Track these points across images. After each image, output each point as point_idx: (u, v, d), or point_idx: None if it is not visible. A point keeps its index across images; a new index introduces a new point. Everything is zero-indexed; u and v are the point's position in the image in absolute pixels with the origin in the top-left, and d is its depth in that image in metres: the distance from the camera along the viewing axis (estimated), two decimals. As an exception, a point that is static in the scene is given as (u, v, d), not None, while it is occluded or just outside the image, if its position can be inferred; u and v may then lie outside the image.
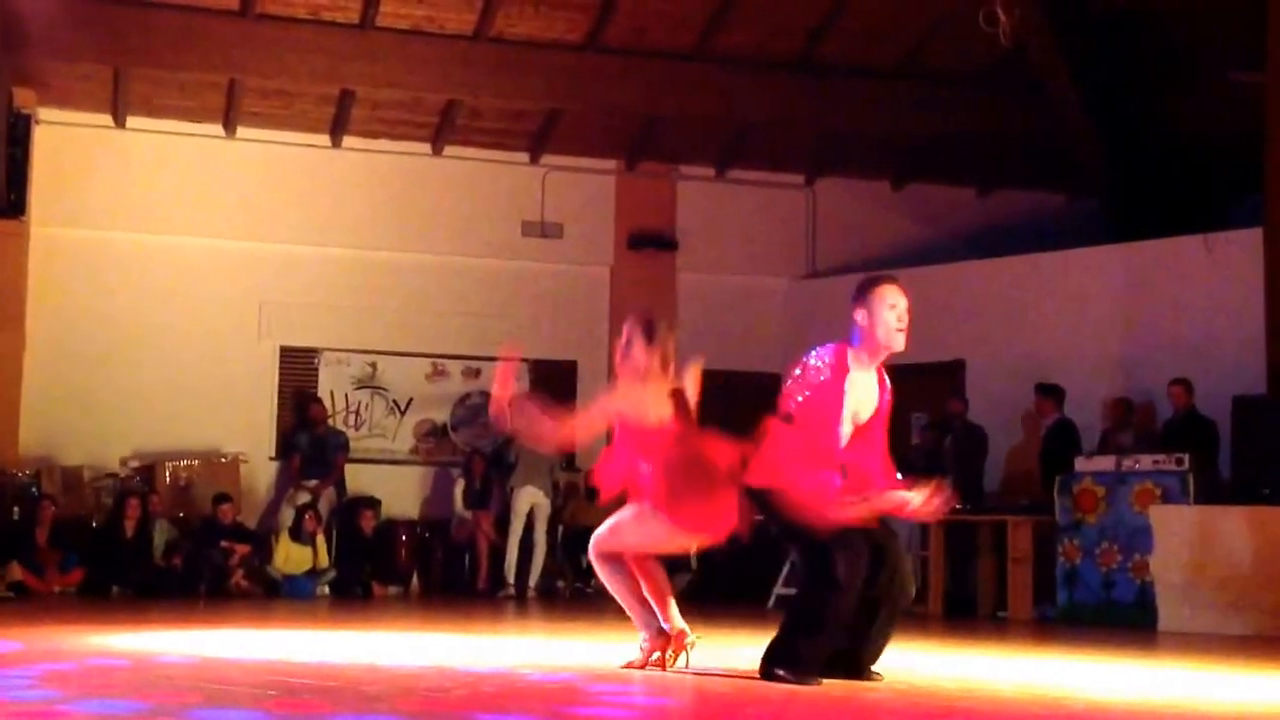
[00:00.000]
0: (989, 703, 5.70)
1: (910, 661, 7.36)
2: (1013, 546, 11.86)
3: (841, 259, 15.72)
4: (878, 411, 6.11)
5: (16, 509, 13.24)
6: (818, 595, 5.89)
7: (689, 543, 6.64)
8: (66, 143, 14.28)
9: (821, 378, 6.01)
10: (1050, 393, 13.07)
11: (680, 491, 6.29)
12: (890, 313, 6.04)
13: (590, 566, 15.43)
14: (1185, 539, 10.64)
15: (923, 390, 14.04)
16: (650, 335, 6.56)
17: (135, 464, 14.04)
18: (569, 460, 14.98)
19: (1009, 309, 14.48)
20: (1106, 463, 11.56)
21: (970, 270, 14.89)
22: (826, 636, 5.88)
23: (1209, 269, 13.31)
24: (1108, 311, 13.95)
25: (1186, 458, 11.11)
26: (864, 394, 6.07)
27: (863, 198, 16.10)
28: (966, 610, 12.08)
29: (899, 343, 6.07)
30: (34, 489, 13.36)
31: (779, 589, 13.11)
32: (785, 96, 14.85)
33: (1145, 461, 11.31)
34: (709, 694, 5.68)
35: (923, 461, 13.30)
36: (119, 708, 4.72)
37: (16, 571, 12.38)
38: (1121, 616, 10.99)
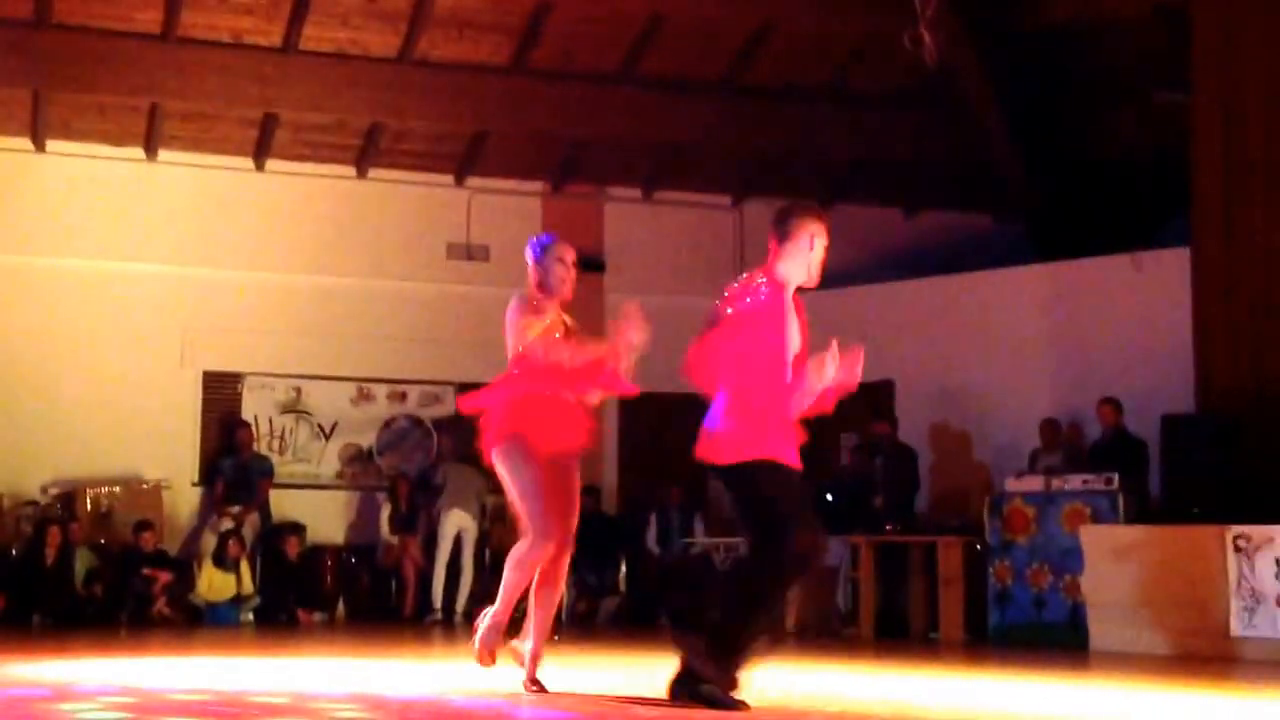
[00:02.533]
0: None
1: (842, 684, 7.32)
2: (943, 567, 11.85)
3: (770, 280, 15.72)
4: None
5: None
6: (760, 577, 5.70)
7: (539, 469, 6.42)
8: (-17, 167, 14.06)
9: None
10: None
11: (509, 418, 6.24)
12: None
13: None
14: (1116, 559, 10.65)
15: (851, 411, 14.03)
16: (537, 253, 6.57)
17: (55, 491, 13.79)
18: (496, 484, 14.84)
19: (937, 329, 14.51)
20: (1036, 483, 11.58)
21: (898, 291, 14.92)
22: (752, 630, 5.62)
23: (1137, 288, 13.39)
24: (1036, 331, 14.01)
25: (1116, 477, 11.14)
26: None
27: (790, 219, 16.09)
28: (898, 631, 12.07)
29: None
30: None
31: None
32: (711, 119, 14.84)
33: (1075, 481, 11.33)
34: (630, 714, 5.60)
35: (852, 482, 13.31)
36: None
37: (-67, 601, 12.16)
38: (1053, 637, 11.00)
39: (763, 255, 18.30)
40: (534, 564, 6.26)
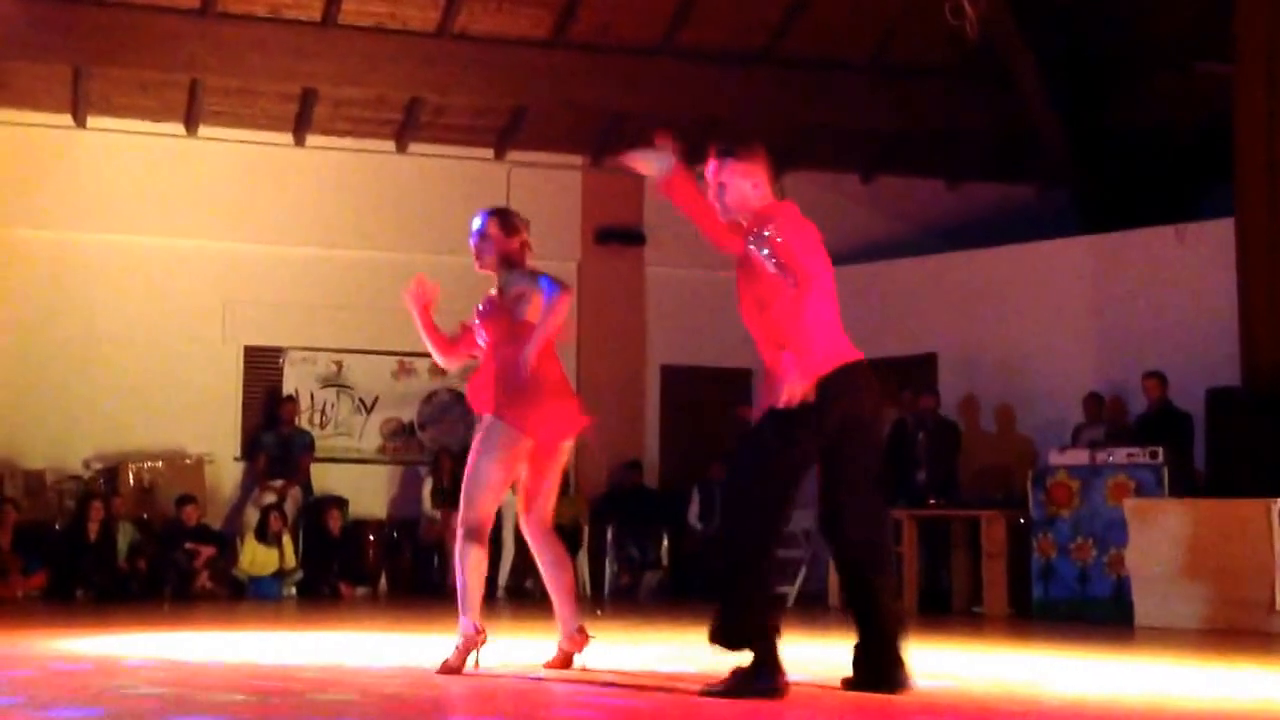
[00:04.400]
0: (965, 699, 5.62)
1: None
2: (986, 541, 11.79)
3: (811, 253, 15.68)
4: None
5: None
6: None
7: (526, 453, 6.37)
8: (26, 143, 14.10)
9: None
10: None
11: (515, 392, 6.16)
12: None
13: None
14: (1161, 532, 10.58)
15: (897, 385, 13.96)
16: (506, 225, 6.52)
17: (98, 466, 13.87)
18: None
19: (981, 301, 14.42)
20: (1080, 456, 11.50)
21: (941, 263, 14.83)
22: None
23: (1181, 260, 13.28)
24: (1080, 303, 13.91)
25: (1161, 451, 11.05)
26: None
27: (831, 191, 16.01)
28: (941, 605, 12.02)
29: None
30: (-6, 493, 13.19)
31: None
32: (752, 91, 14.77)
33: (1119, 455, 11.24)
34: (678, 696, 5.58)
35: (894, 456, 13.26)
36: (82, 714, 4.60)
37: (-22, 576, 12.26)
38: (1097, 611, 10.93)
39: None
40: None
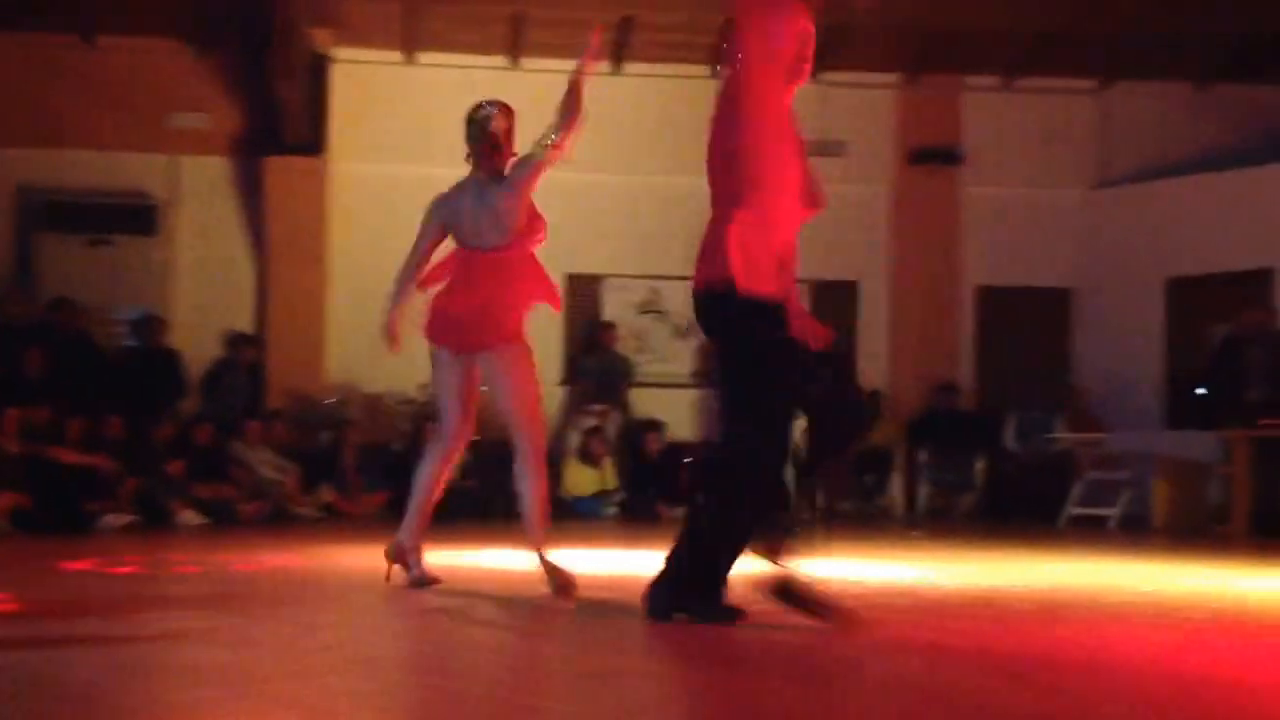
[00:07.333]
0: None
1: (1214, 583, 7.12)
2: (1328, 461, 11.27)
3: (1136, 166, 15.16)
4: None
5: (325, 434, 13.85)
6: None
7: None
8: (361, 80, 14.69)
9: None
10: None
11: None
12: None
13: (872, 487, 15.24)
14: None
15: (1225, 301, 13.47)
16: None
17: (431, 390, 14.41)
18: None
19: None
20: None
21: (1276, 174, 14.15)
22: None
23: None
24: None
25: None
26: None
27: (1160, 101, 15.40)
28: (1276, 529, 11.58)
29: None
30: (340, 415, 13.92)
31: (1073, 508, 12.83)
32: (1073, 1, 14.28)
33: None
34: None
35: (1223, 374, 12.80)
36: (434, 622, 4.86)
37: (327, 493, 13.01)
38: None
39: (1129, 144, 17.43)
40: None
